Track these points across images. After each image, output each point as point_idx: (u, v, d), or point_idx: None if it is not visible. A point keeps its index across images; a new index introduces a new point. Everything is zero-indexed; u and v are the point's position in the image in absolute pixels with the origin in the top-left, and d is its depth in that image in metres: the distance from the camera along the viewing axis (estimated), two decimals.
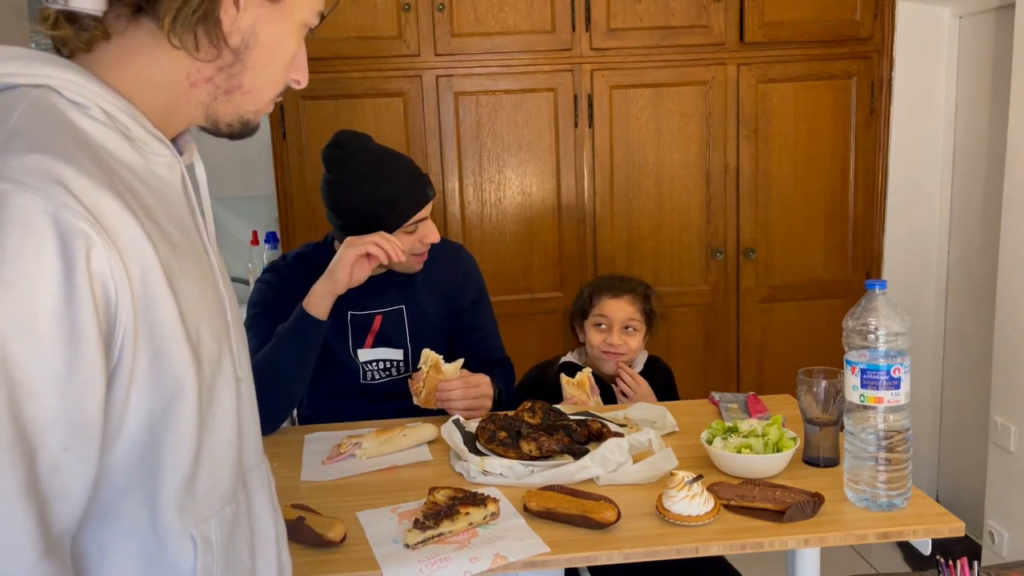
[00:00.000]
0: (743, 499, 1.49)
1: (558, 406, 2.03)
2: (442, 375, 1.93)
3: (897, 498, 1.47)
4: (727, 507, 1.49)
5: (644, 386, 2.14)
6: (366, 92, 3.04)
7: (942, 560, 1.40)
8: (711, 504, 1.45)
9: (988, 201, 3.04)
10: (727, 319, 3.30)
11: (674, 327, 3.15)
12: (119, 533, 0.81)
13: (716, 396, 2.04)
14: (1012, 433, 2.62)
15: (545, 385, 2.22)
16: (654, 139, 3.16)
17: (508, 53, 3.06)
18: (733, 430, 1.68)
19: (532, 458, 1.67)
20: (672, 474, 1.48)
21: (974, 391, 3.13)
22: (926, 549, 1.45)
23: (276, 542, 1.01)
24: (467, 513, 1.42)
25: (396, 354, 2.06)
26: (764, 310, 3.32)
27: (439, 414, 1.97)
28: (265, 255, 3.32)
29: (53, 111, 0.80)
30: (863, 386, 1.46)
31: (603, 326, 2.19)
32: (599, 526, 1.41)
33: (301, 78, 0.94)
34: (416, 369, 1.97)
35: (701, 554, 1.41)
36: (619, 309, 2.19)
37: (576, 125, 3.12)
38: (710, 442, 1.67)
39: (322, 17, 0.93)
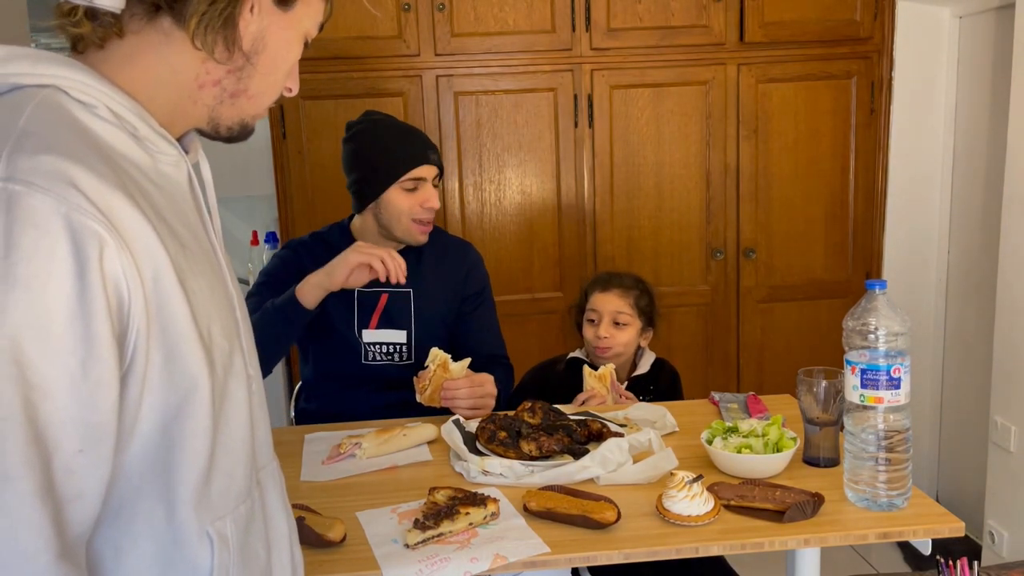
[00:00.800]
0: (743, 499, 1.49)
1: (578, 399, 2.03)
2: (449, 374, 1.93)
3: (897, 498, 1.47)
4: (727, 507, 1.49)
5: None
6: (366, 92, 3.04)
7: (942, 560, 1.40)
8: (711, 504, 1.45)
9: (988, 201, 3.04)
10: (727, 319, 3.30)
11: (674, 327, 3.16)
12: (135, 533, 0.81)
13: (716, 396, 2.04)
14: (1012, 433, 2.62)
15: (551, 381, 2.23)
16: (654, 139, 3.16)
17: (508, 53, 3.06)
18: (733, 430, 1.68)
19: (532, 458, 1.67)
20: (672, 474, 1.48)
21: (974, 391, 3.13)
22: (926, 549, 1.45)
23: (289, 539, 1.01)
24: (467, 513, 1.42)
25: (400, 336, 2.09)
26: (764, 310, 3.32)
27: (441, 413, 1.97)
28: (265, 255, 3.32)
29: (61, 111, 0.80)
30: (863, 386, 1.46)
31: (594, 320, 2.21)
32: (599, 526, 1.41)
33: (294, 86, 0.97)
34: (423, 367, 1.97)
35: (701, 554, 1.41)
36: (607, 302, 2.20)
37: (576, 125, 3.12)
38: (710, 442, 1.67)
39: (320, 28, 0.95)
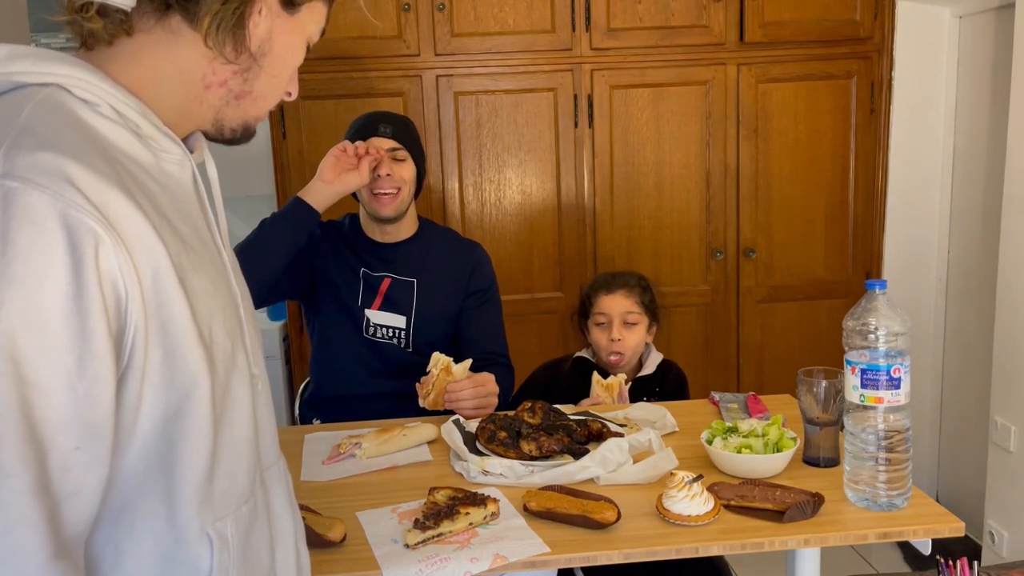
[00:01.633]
0: (743, 499, 1.49)
1: (582, 404, 2.03)
2: (451, 377, 1.94)
3: (897, 498, 1.47)
4: (727, 507, 1.49)
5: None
6: (366, 92, 3.04)
7: (942, 560, 1.40)
8: (711, 504, 1.45)
9: (988, 201, 3.04)
10: (727, 319, 3.30)
11: (674, 327, 3.16)
12: (135, 533, 0.81)
13: (716, 396, 2.04)
14: (1012, 433, 2.62)
15: (557, 381, 2.23)
16: (654, 139, 3.16)
17: (508, 53, 3.06)
18: (733, 430, 1.68)
19: (532, 458, 1.67)
20: (672, 474, 1.48)
21: (974, 391, 3.13)
22: (926, 549, 1.45)
23: (294, 539, 1.01)
24: (467, 513, 1.42)
25: (400, 321, 2.13)
26: (764, 310, 3.32)
27: (441, 413, 1.97)
28: None
29: (62, 109, 0.80)
30: (863, 386, 1.46)
31: (604, 323, 2.20)
32: (599, 526, 1.41)
33: (294, 91, 0.97)
34: (425, 372, 1.97)
35: (701, 554, 1.41)
36: (615, 304, 2.19)
37: (576, 125, 3.12)
38: (710, 442, 1.67)
39: (321, 33, 0.96)
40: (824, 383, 1.62)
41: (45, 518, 0.71)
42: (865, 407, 1.47)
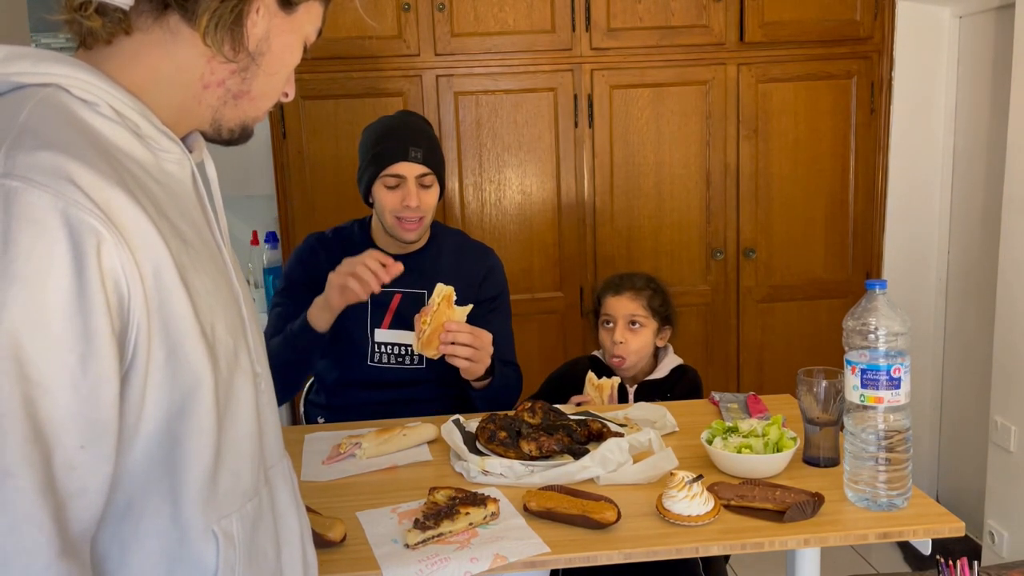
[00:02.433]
0: (743, 499, 1.49)
1: (572, 400, 2.03)
2: (452, 312, 1.88)
3: (897, 498, 1.47)
4: (727, 507, 1.49)
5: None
6: (366, 92, 3.04)
7: (942, 560, 1.40)
8: (711, 504, 1.45)
9: (988, 201, 3.04)
10: (727, 319, 3.30)
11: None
12: (140, 532, 0.81)
13: (716, 396, 2.04)
14: (1012, 433, 2.62)
15: (570, 378, 2.23)
16: (654, 139, 3.16)
17: (508, 53, 3.06)
18: (733, 430, 1.68)
19: (532, 458, 1.67)
20: (672, 474, 1.48)
21: (974, 391, 3.13)
22: (926, 549, 1.45)
23: (301, 538, 1.01)
24: (467, 513, 1.42)
25: (410, 337, 2.04)
26: (764, 310, 3.32)
27: (441, 413, 1.97)
28: (265, 255, 3.32)
29: (62, 109, 0.80)
30: (863, 386, 1.46)
31: (609, 324, 2.20)
32: (599, 526, 1.41)
33: (291, 91, 0.98)
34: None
35: (701, 554, 1.41)
36: (620, 306, 2.19)
37: (576, 125, 3.12)
38: (710, 442, 1.67)
39: (318, 34, 0.97)
40: (824, 383, 1.62)
41: (51, 516, 0.71)
42: (865, 407, 1.47)
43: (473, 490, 1.53)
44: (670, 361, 2.23)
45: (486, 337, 1.91)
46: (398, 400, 2.06)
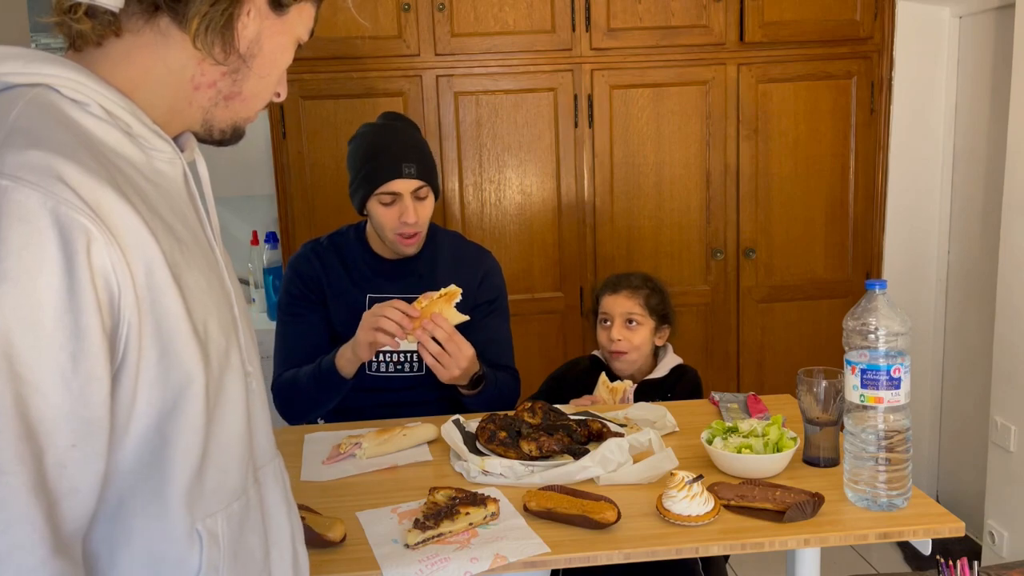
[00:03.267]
0: (743, 499, 1.49)
1: (583, 399, 2.03)
2: (446, 309, 1.87)
3: (897, 498, 1.47)
4: (727, 507, 1.49)
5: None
6: (366, 92, 3.04)
7: (942, 560, 1.41)
8: (711, 504, 1.45)
9: (988, 201, 3.04)
10: (727, 319, 3.30)
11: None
12: (129, 531, 0.81)
13: (716, 396, 2.04)
14: (1012, 433, 2.62)
15: (572, 377, 2.24)
16: (654, 139, 3.16)
17: (508, 53, 3.06)
18: (733, 430, 1.68)
19: (532, 458, 1.67)
20: (672, 474, 1.48)
21: (974, 391, 3.13)
22: (926, 549, 1.45)
23: (291, 538, 1.01)
24: (467, 513, 1.42)
25: (412, 344, 2.04)
26: (764, 310, 3.32)
27: (441, 413, 1.97)
28: (265, 255, 3.32)
29: (52, 108, 0.80)
30: (863, 386, 1.46)
31: (607, 322, 2.20)
32: (599, 526, 1.41)
33: (283, 91, 0.98)
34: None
35: (701, 554, 1.41)
36: (617, 304, 2.19)
37: (576, 125, 3.12)
38: (710, 442, 1.67)
39: (310, 34, 0.97)
40: (824, 383, 1.62)
41: (44, 515, 0.71)
42: (865, 407, 1.47)
43: (473, 490, 1.52)
44: (670, 361, 2.23)
45: (465, 348, 1.89)
46: (397, 403, 2.05)
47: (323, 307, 2.09)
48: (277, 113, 3.02)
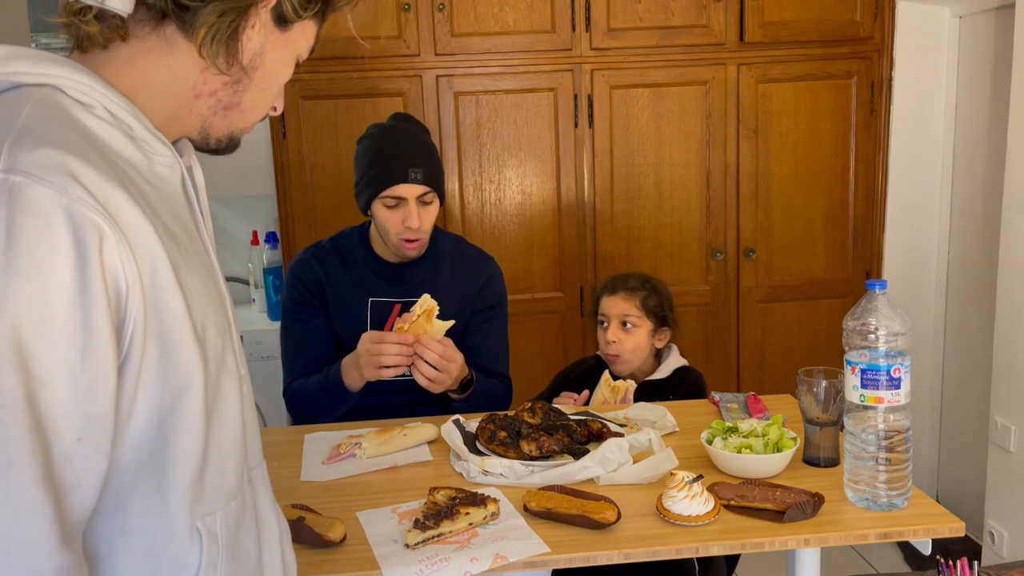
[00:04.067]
0: (743, 499, 1.49)
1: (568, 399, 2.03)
2: (430, 326, 1.87)
3: (897, 498, 1.47)
4: (727, 507, 1.49)
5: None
6: (366, 92, 3.04)
7: (942, 560, 1.40)
8: (711, 504, 1.45)
9: (988, 201, 3.04)
10: (727, 319, 3.30)
11: None
12: (128, 528, 0.82)
13: (716, 396, 2.04)
14: (1012, 433, 2.62)
15: (575, 374, 2.25)
16: (654, 139, 3.16)
17: (508, 53, 3.06)
18: (733, 430, 1.68)
19: (532, 458, 1.67)
20: (672, 474, 1.48)
21: (974, 391, 3.13)
22: (926, 549, 1.45)
23: (280, 539, 1.02)
24: (467, 513, 1.42)
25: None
26: (764, 310, 3.32)
27: (441, 413, 1.97)
28: (265, 255, 3.32)
29: (59, 109, 0.81)
30: (863, 386, 1.46)
31: (604, 324, 2.20)
32: (599, 526, 1.41)
33: (279, 106, 1.00)
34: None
35: (701, 554, 1.41)
36: (614, 305, 2.19)
37: (576, 125, 3.12)
38: (710, 442, 1.67)
39: (311, 52, 0.98)
40: (824, 383, 1.62)
41: (53, 506, 0.72)
42: (865, 407, 1.47)
43: (473, 490, 1.52)
44: (673, 362, 2.21)
45: (457, 358, 1.90)
46: (397, 404, 2.05)
47: (325, 311, 2.09)
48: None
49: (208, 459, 0.86)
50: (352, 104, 3.04)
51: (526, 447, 1.69)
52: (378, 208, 1.98)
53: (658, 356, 2.24)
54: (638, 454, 1.66)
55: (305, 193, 3.08)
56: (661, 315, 2.20)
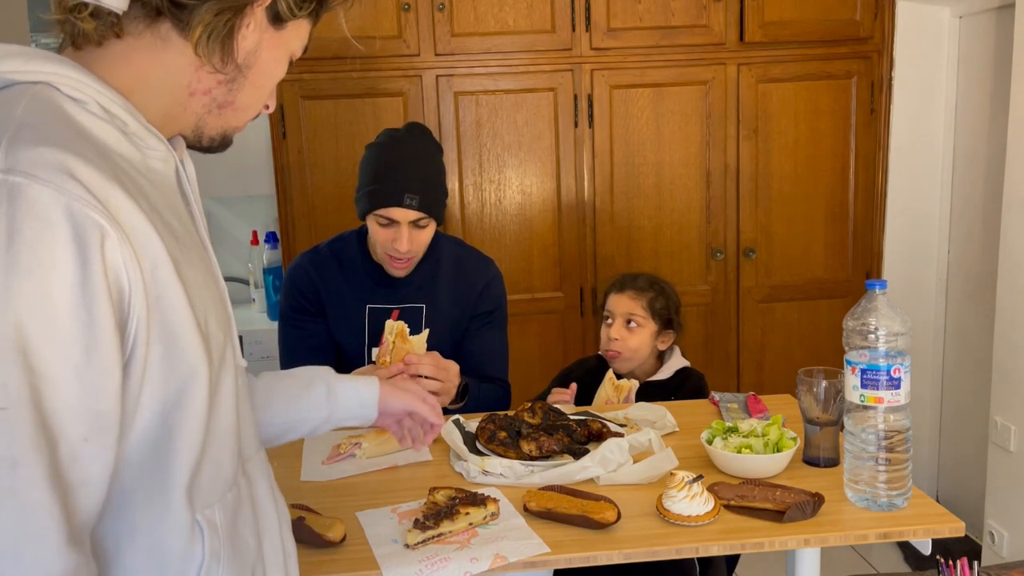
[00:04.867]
0: (743, 499, 1.49)
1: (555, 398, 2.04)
2: (408, 345, 1.86)
3: (897, 498, 1.47)
4: (727, 507, 1.49)
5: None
6: (366, 92, 3.04)
7: (942, 560, 1.40)
8: (711, 504, 1.45)
9: (988, 201, 3.04)
10: (727, 319, 3.30)
11: None
12: (134, 524, 0.83)
13: (716, 396, 2.04)
14: (1012, 433, 2.62)
15: (578, 372, 2.25)
16: (654, 139, 3.16)
17: (508, 53, 3.06)
18: (733, 430, 1.68)
19: (532, 458, 1.67)
20: (672, 474, 1.48)
21: (974, 391, 3.13)
22: (926, 549, 1.45)
23: (279, 528, 1.03)
24: (467, 513, 1.42)
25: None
26: (764, 310, 3.32)
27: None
28: (265, 255, 3.32)
29: (54, 106, 0.81)
30: (863, 386, 1.46)
31: (609, 320, 2.20)
32: (599, 526, 1.41)
33: (272, 104, 1.00)
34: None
35: (701, 554, 1.41)
36: (621, 303, 2.19)
37: (576, 125, 3.12)
38: (710, 442, 1.67)
39: (304, 51, 0.99)
40: (824, 383, 1.62)
41: (60, 505, 0.72)
42: (865, 407, 1.47)
43: (473, 490, 1.52)
44: (675, 363, 2.21)
45: (452, 367, 1.89)
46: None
47: (323, 317, 2.08)
48: (277, 113, 3.02)
49: (206, 452, 0.87)
50: (352, 104, 3.04)
51: (526, 447, 1.69)
52: (371, 222, 1.98)
53: (660, 357, 2.24)
54: (638, 454, 1.66)
55: (305, 193, 3.08)
56: (667, 318, 2.20)
